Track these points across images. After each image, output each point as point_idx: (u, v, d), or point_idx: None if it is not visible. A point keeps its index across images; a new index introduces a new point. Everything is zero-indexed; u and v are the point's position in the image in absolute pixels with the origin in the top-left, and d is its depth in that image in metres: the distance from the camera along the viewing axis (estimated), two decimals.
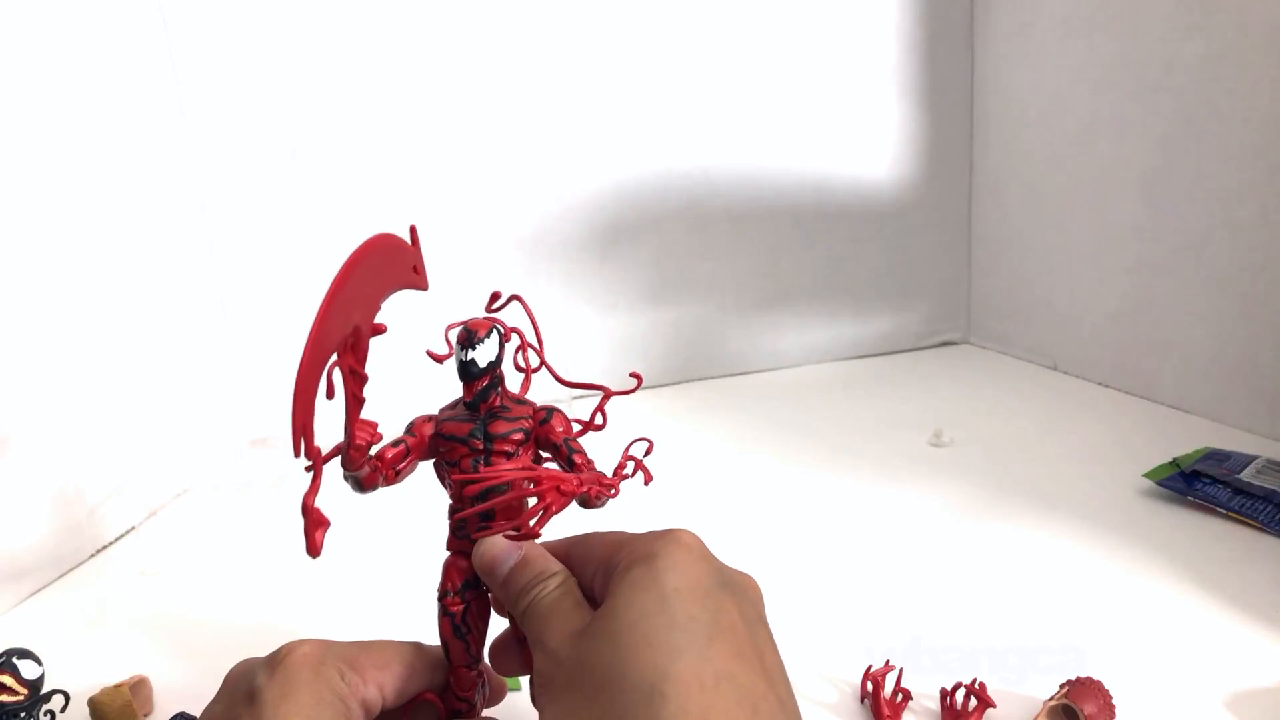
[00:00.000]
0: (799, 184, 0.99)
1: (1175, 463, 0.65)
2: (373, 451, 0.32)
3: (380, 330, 0.29)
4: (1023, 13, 0.94)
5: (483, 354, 0.32)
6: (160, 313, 0.75)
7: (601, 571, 0.31)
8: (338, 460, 0.31)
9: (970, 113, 1.04)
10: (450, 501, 0.34)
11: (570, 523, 0.36)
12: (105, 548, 0.66)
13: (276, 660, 0.29)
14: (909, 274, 1.07)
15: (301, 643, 0.30)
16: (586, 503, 0.35)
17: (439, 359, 0.34)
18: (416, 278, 0.31)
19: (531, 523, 0.31)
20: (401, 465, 0.33)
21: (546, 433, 0.34)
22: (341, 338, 0.27)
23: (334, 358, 0.27)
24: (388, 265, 0.29)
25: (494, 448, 0.33)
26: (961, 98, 1.03)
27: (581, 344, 0.95)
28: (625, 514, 0.66)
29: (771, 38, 0.95)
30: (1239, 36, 0.71)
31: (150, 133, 0.76)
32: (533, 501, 0.32)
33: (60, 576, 0.61)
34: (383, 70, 0.84)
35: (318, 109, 0.83)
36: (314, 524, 0.28)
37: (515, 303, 0.36)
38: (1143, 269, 0.83)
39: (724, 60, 0.94)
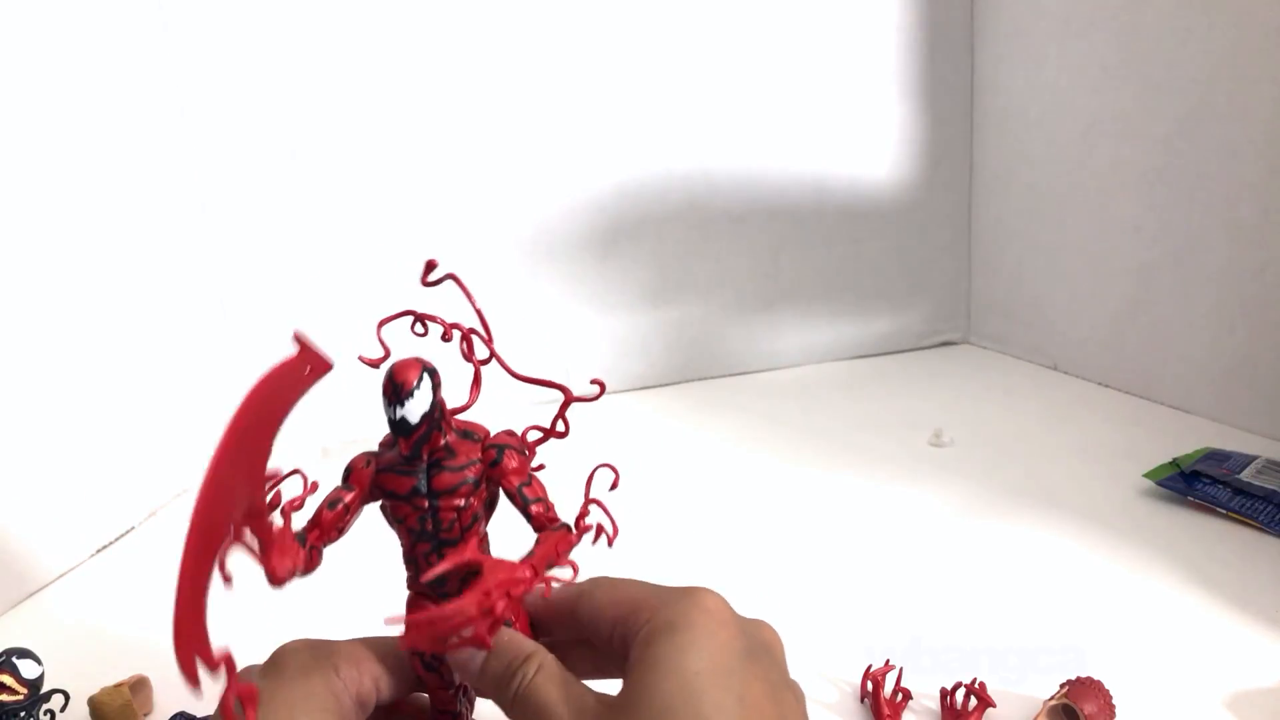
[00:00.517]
0: (799, 184, 0.99)
1: (1175, 463, 0.65)
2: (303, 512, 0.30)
3: (279, 478, 0.27)
4: (1023, 13, 0.94)
5: (414, 408, 0.29)
6: (160, 312, 0.75)
7: (618, 633, 0.29)
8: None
9: (970, 113, 1.04)
10: (403, 550, 0.32)
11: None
12: (105, 548, 0.66)
13: (270, 661, 0.29)
14: (909, 274, 1.07)
15: (295, 642, 0.30)
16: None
17: (373, 364, 0.30)
18: (315, 374, 0.28)
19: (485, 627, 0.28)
20: (343, 523, 0.30)
21: (499, 476, 0.31)
22: (228, 525, 0.24)
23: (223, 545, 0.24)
24: (272, 402, 0.26)
25: (440, 504, 0.30)
26: (961, 98, 1.03)
27: (581, 344, 0.95)
28: (630, 513, 0.66)
29: (771, 38, 0.95)
30: (1239, 36, 0.71)
31: (150, 133, 0.76)
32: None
33: (60, 576, 0.61)
34: (383, 71, 0.84)
35: (318, 109, 0.83)
36: None
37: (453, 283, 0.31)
38: (1143, 269, 0.83)
39: (724, 60, 0.94)
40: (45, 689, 0.43)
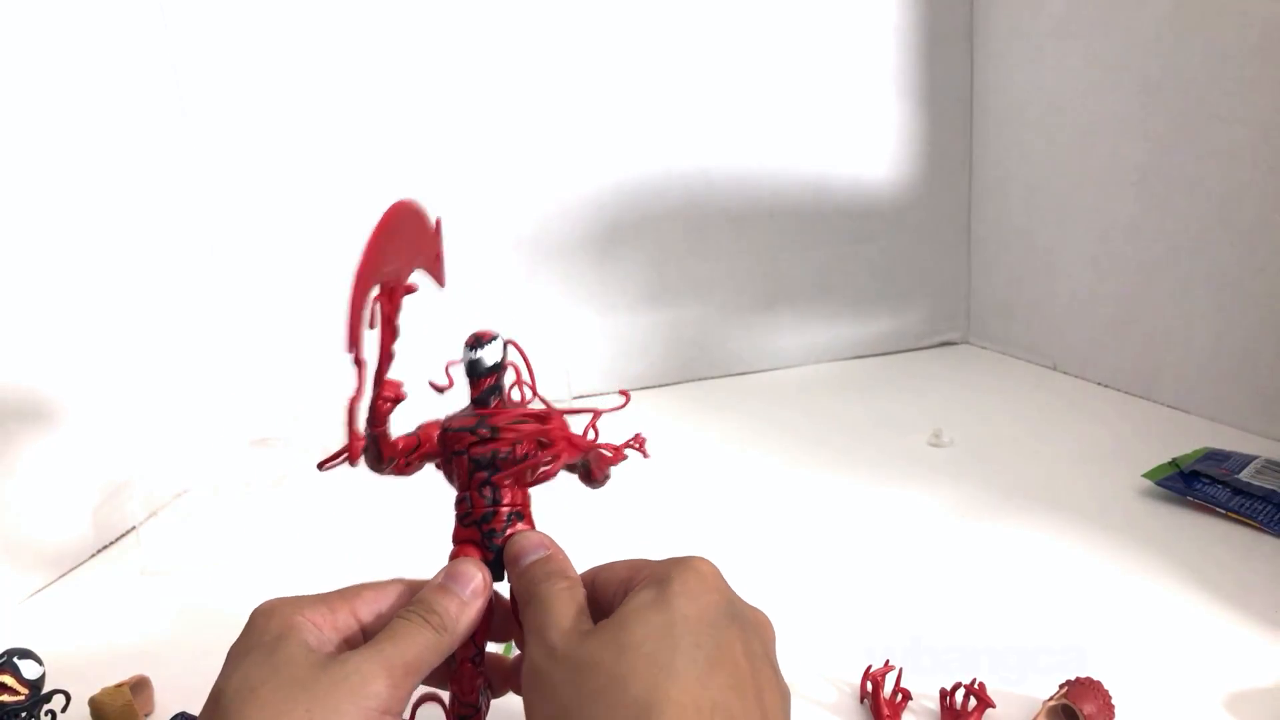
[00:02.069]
0: (798, 184, 0.99)
1: (1175, 463, 0.65)
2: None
3: (412, 289, 0.32)
4: (1023, 13, 0.94)
5: (489, 354, 0.34)
6: (161, 313, 0.75)
7: (620, 592, 0.31)
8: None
9: (970, 113, 1.04)
10: (456, 493, 0.35)
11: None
12: (105, 548, 0.66)
13: (246, 625, 0.30)
14: (909, 274, 1.07)
15: (263, 603, 0.31)
16: (590, 475, 0.37)
17: (441, 389, 0.35)
18: (437, 266, 0.34)
19: (545, 467, 0.34)
20: (413, 455, 0.35)
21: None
22: (386, 273, 0.30)
23: (376, 290, 0.30)
24: (419, 237, 0.32)
25: (500, 435, 0.34)
26: (961, 98, 1.03)
27: (581, 344, 0.95)
28: (631, 512, 0.66)
29: (771, 38, 0.95)
30: (1238, 36, 0.71)
31: (152, 135, 0.76)
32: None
33: (60, 576, 0.61)
34: (383, 71, 0.84)
35: (318, 110, 0.83)
36: (355, 438, 0.31)
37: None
38: (1143, 269, 0.83)
39: (724, 60, 0.94)
40: (46, 689, 0.43)
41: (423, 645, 0.29)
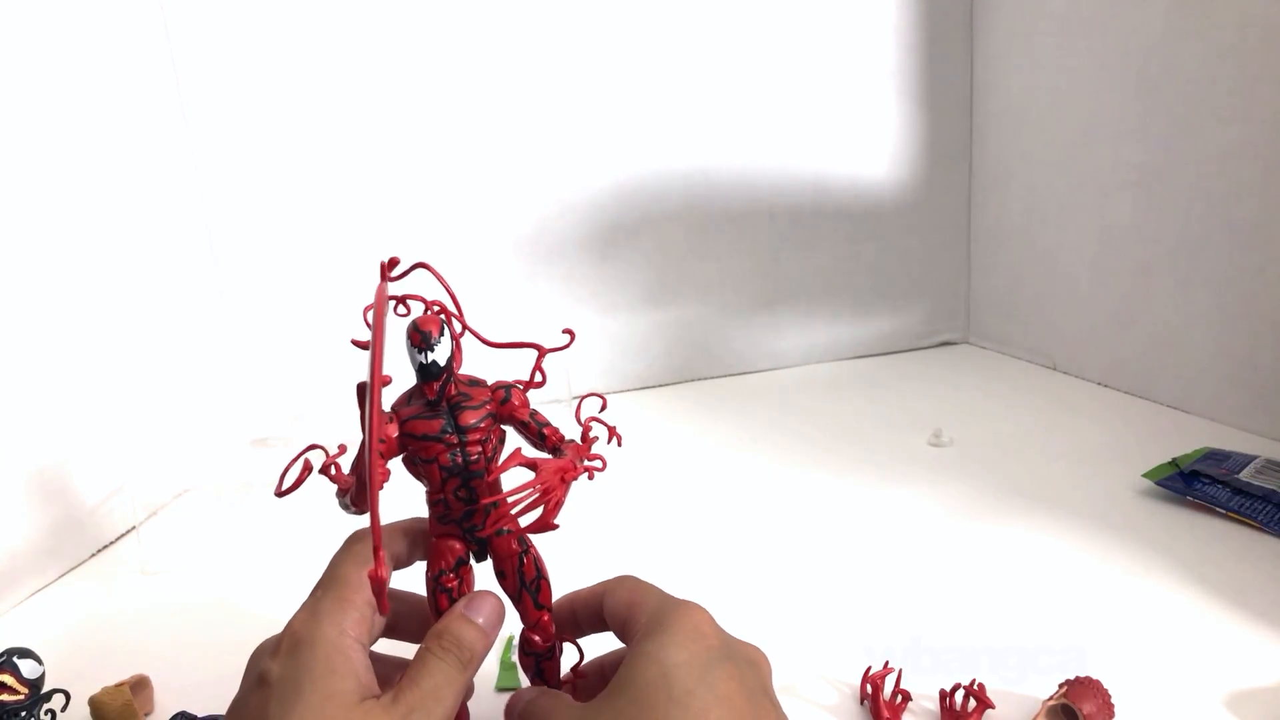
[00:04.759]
0: (798, 184, 0.99)
1: (1174, 463, 0.65)
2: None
3: (387, 381, 0.31)
4: (1023, 13, 0.94)
5: (441, 353, 0.33)
6: (161, 314, 0.75)
7: (625, 626, 0.33)
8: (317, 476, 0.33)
9: (970, 113, 1.04)
10: (427, 491, 0.35)
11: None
12: (105, 548, 0.66)
13: (281, 644, 0.30)
14: (909, 274, 1.07)
15: (300, 620, 0.31)
16: (543, 440, 0.37)
17: (363, 345, 0.33)
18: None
19: (534, 516, 0.33)
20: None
21: (510, 411, 0.36)
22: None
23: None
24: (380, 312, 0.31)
25: (467, 439, 0.34)
26: (961, 98, 1.03)
27: (581, 344, 0.95)
28: (631, 512, 0.66)
29: (771, 38, 0.95)
30: (1238, 36, 0.71)
31: (153, 138, 0.76)
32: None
33: (60, 576, 0.61)
34: (383, 72, 0.84)
35: (318, 111, 0.83)
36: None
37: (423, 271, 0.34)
38: (1142, 269, 0.83)
39: (723, 60, 0.94)
40: (46, 689, 0.43)
41: (459, 689, 0.31)
